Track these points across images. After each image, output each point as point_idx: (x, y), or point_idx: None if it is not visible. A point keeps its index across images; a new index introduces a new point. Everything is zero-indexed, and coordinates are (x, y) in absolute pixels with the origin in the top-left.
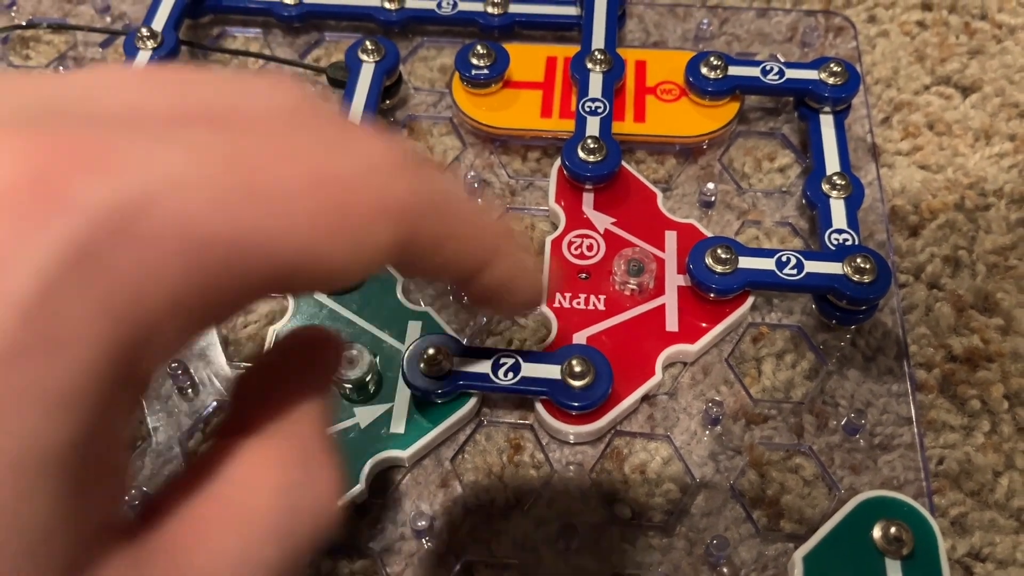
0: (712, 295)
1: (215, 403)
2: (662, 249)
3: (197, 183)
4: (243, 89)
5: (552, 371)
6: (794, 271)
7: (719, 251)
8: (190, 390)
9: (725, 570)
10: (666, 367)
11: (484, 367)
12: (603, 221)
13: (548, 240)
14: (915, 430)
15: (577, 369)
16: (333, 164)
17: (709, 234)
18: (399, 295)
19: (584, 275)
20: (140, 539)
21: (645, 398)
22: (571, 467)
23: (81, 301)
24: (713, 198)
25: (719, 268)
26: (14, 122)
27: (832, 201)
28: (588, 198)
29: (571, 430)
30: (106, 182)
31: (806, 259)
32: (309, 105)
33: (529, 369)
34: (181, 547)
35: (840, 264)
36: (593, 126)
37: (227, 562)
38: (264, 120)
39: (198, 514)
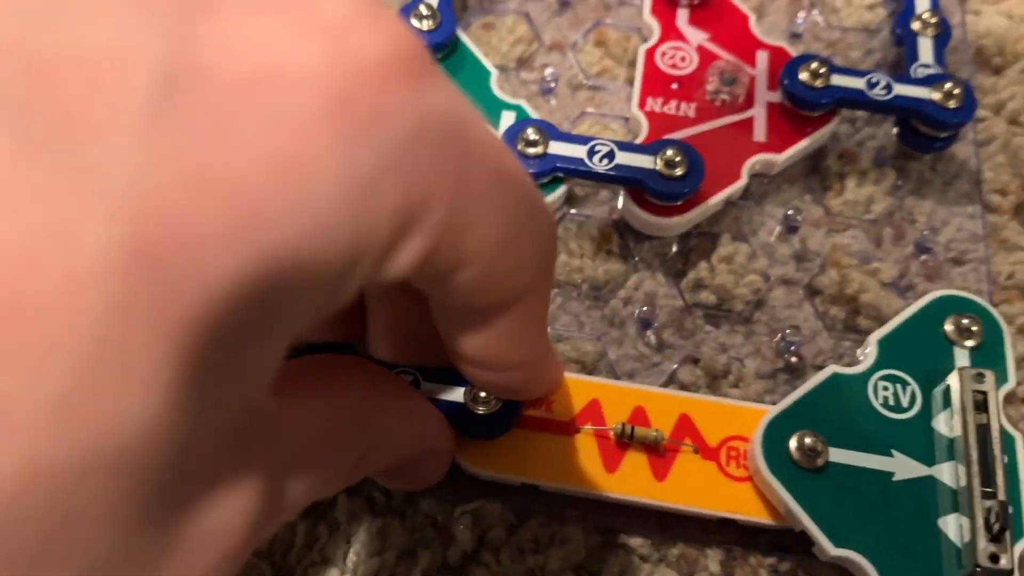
0: (803, 109)
1: None
2: (753, 66)
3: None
4: None
5: (647, 161)
6: (883, 91)
7: (814, 65)
8: None
9: (793, 359)
10: (752, 175)
11: (580, 152)
12: (697, 36)
13: (642, 49)
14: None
15: (675, 159)
16: None
17: None
18: (493, 86)
19: (675, 85)
20: None
21: (729, 203)
22: (657, 257)
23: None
24: (801, 30)
25: (813, 82)
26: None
27: (920, 39)
28: (683, 14)
29: (658, 222)
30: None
31: (896, 82)
32: None
33: (624, 157)
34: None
35: (928, 89)
36: None
37: None
38: None
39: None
